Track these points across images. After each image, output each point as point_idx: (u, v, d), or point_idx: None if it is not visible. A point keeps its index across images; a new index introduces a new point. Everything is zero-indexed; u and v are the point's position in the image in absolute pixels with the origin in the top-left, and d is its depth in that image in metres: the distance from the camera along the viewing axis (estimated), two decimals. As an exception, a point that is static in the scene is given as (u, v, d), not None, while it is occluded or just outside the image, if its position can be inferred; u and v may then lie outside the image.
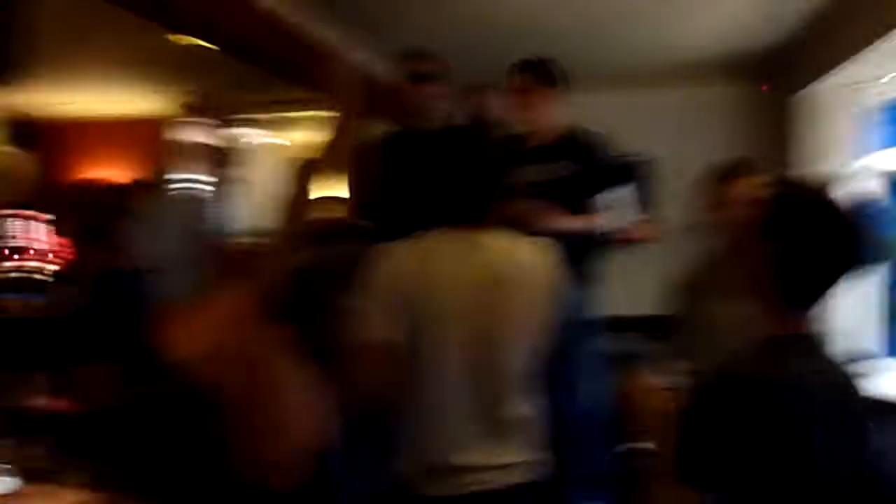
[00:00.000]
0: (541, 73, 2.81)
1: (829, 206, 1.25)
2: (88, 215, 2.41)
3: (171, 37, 3.26)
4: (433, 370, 1.61)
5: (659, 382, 3.59)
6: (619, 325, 3.35)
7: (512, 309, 1.65)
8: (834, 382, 1.28)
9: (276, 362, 1.94)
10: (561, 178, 2.77)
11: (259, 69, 3.78)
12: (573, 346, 2.77)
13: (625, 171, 2.95)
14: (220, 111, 5.73)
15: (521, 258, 1.72)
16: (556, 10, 3.55)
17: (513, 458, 1.65)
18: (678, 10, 3.64)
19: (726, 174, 2.25)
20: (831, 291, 1.25)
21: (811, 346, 1.29)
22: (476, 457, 1.62)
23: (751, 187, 1.55)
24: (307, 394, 2.03)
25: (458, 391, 1.62)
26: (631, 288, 3.77)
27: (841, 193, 1.28)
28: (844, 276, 1.24)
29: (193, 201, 3.83)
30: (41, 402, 2.20)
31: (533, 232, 2.53)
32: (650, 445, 2.72)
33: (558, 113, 2.85)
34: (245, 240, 2.04)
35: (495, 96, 3.19)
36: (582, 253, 2.82)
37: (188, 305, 1.90)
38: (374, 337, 1.59)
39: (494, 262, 1.67)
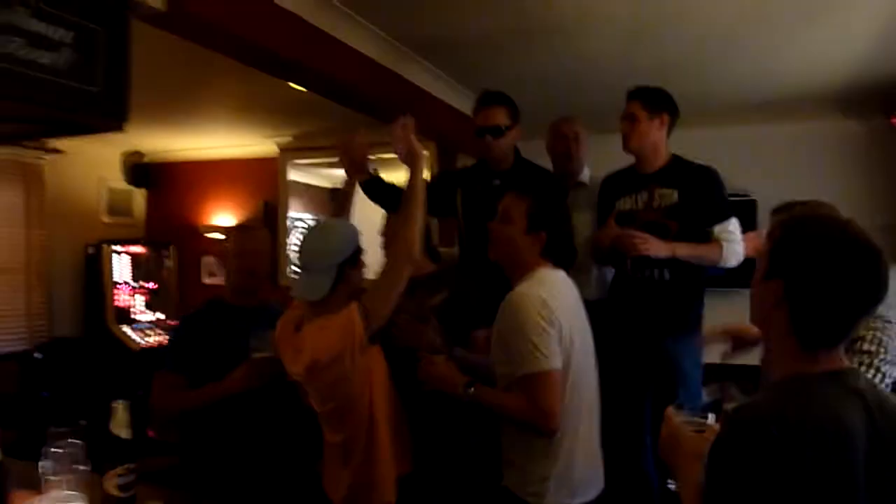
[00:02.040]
0: (648, 100, 2.77)
1: (840, 238, 1.14)
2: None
3: (282, 84, 3.37)
4: (576, 395, 1.89)
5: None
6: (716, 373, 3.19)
7: (589, 341, 2.04)
8: (882, 417, 1.12)
9: (377, 389, 1.98)
10: (668, 206, 2.73)
11: (364, 113, 3.87)
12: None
13: (732, 205, 2.81)
14: (329, 153, 5.97)
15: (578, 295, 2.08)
16: (662, 44, 3.47)
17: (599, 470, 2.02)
18: (793, 43, 3.47)
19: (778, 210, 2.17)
20: (852, 327, 1.16)
21: (843, 382, 1.15)
22: (583, 475, 1.93)
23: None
24: (400, 423, 2.06)
25: (591, 413, 1.98)
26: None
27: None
28: (866, 310, 1.15)
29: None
30: (123, 430, 2.23)
31: (634, 258, 2.53)
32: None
33: (665, 141, 2.81)
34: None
35: (577, 127, 3.23)
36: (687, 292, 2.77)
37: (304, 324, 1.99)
38: (553, 366, 1.82)
39: (579, 298, 2.05)
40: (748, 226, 2.85)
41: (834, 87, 4.26)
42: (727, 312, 2.72)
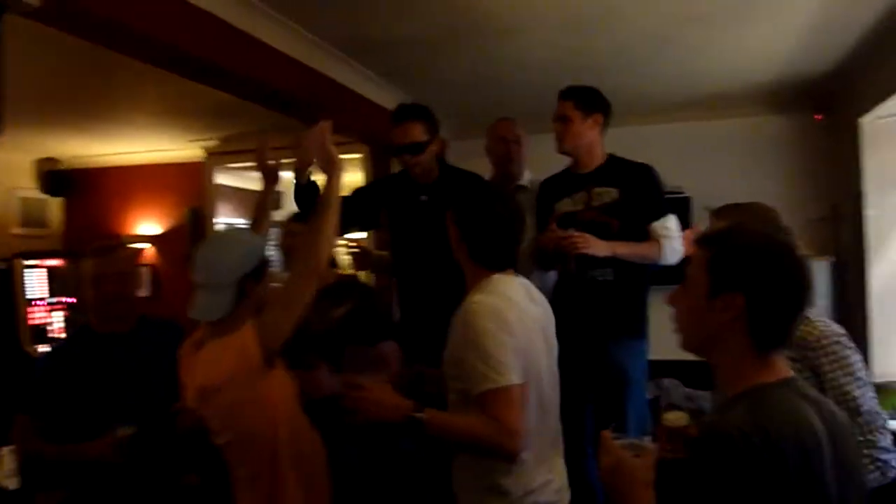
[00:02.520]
0: (581, 100, 2.74)
1: (783, 245, 1.25)
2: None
3: (203, 87, 3.18)
4: (534, 404, 1.75)
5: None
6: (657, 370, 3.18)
7: (553, 352, 1.89)
8: (833, 422, 1.19)
9: (280, 420, 1.81)
10: (607, 204, 2.72)
11: (291, 116, 3.71)
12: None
13: (669, 202, 2.80)
14: (253, 156, 5.75)
15: (539, 298, 1.93)
16: (594, 44, 3.43)
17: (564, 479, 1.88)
18: (724, 41, 3.49)
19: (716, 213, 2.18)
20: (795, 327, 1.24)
21: (796, 389, 1.22)
22: (558, 477, 1.83)
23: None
24: (314, 462, 1.88)
25: (547, 422, 1.83)
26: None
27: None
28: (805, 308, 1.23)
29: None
30: (11, 480, 2.05)
31: (578, 259, 2.49)
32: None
33: (600, 140, 2.79)
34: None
35: (517, 130, 3.20)
36: (635, 290, 2.76)
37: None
38: (511, 381, 1.65)
39: (539, 304, 1.90)
40: (682, 222, 2.83)
41: (763, 84, 4.33)
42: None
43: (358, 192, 2.97)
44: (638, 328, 2.78)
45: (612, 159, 2.81)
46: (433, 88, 2.82)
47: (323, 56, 3.53)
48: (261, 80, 3.12)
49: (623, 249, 2.65)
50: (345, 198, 2.51)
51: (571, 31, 3.29)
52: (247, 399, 1.74)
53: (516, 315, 1.73)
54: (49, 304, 5.43)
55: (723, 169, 4.73)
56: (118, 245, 3.72)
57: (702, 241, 1.30)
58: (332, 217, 1.85)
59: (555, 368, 1.90)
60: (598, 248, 2.60)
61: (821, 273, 4.11)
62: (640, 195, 2.71)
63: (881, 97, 3.51)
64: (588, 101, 2.75)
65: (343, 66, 3.74)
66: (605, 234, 2.64)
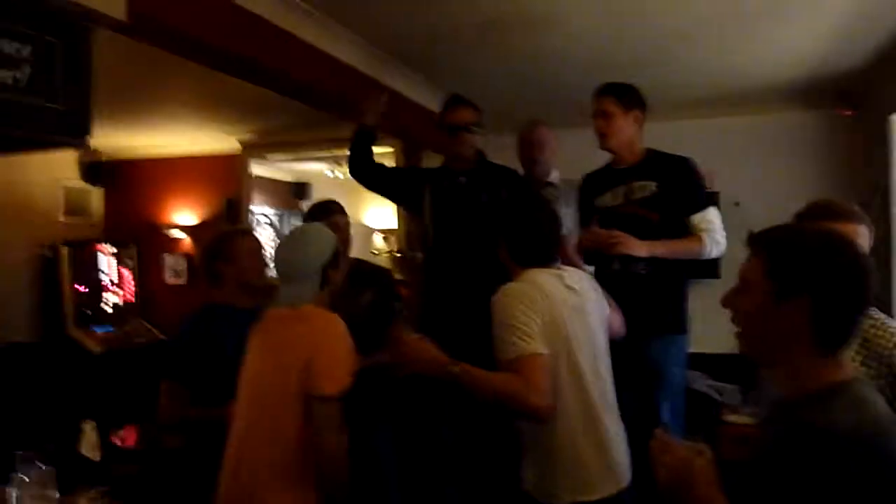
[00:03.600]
0: (622, 96, 2.77)
1: (845, 244, 1.21)
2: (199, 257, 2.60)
3: (242, 82, 3.30)
4: (567, 389, 1.87)
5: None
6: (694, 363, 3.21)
7: (596, 335, 2.01)
8: None
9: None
10: (646, 197, 2.73)
11: (323, 110, 3.82)
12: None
13: (711, 195, 2.84)
14: (287, 148, 5.90)
15: (587, 290, 2.07)
16: (629, 39, 3.49)
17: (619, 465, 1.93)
18: (755, 38, 3.54)
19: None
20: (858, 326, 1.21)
21: (866, 387, 1.21)
22: (596, 467, 1.88)
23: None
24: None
25: (586, 407, 1.90)
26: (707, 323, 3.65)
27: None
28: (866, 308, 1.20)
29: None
30: (92, 451, 2.19)
31: (612, 257, 2.57)
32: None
33: (639, 136, 2.82)
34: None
35: (548, 132, 3.31)
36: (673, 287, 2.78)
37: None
38: (540, 350, 1.80)
39: (579, 293, 2.01)
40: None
41: (793, 80, 4.35)
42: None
43: (405, 169, 3.19)
44: (676, 323, 2.79)
45: (651, 153, 2.82)
46: (466, 84, 2.94)
47: (358, 52, 3.63)
48: (299, 76, 3.23)
49: (662, 249, 2.66)
50: (397, 169, 2.80)
51: (604, 27, 3.36)
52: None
53: (542, 296, 1.89)
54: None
55: (751, 165, 4.77)
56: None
57: (757, 244, 1.25)
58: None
59: (600, 349, 2.02)
60: (638, 248, 2.62)
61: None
62: (678, 188, 2.72)
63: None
64: (627, 97, 2.78)
65: (375, 62, 3.82)
66: (645, 228, 2.66)
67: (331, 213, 2.93)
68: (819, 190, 4.40)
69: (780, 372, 1.23)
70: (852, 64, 4.00)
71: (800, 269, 1.17)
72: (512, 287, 1.94)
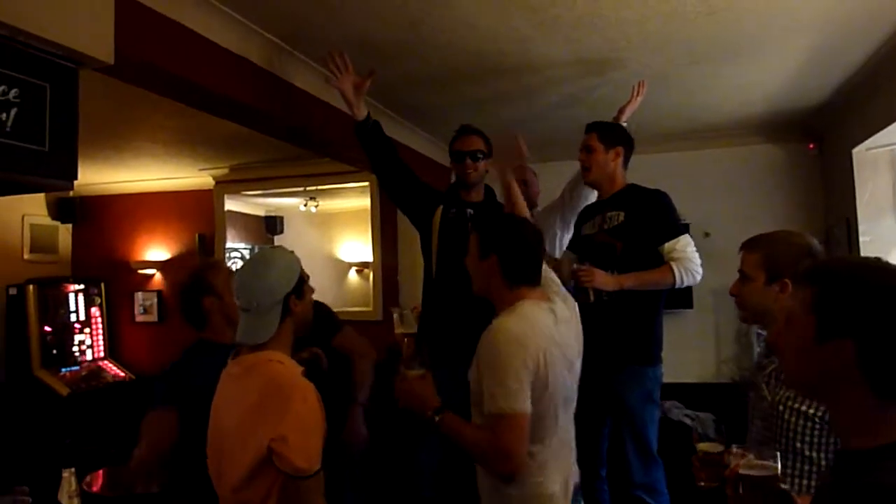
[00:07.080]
0: (604, 133, 2.96)
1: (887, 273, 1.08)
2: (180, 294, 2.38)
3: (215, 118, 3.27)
4: (548, 422, 1.85)
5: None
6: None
7: (574, 366, 1.98)
8: None
9: None
10: (615, 226, 2.87)
11: (299, 147, 3.83)
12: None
13: (684, 226, 2.94)
14: (261, 184, 5.87)
15: (572, 319, 2.04)
16: (606, 81, 3.61)
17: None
18: (722, 79, 3.67)
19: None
20: None
21: None
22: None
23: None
24: None
25: (564, 439, 1.94)
26: (681, 352, 3.72)
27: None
28: None
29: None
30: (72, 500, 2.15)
31: (586, 289, 2.69)
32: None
33: (621, 171, 2.98)
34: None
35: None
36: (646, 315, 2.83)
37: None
38: (522, 409, 1.76)
39: (568, 325, 1.99)
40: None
41: (759, 116, 4.53)
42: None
43: (424, 183, 3.15)
44: (644, 354, 2.82)
45: (629, 187, 2.95)
46: (446, 122, 2.98)
47: (335, 91, 3.64)
48: (277, 114, 3.21)
49: (632, 282, 2.73)
50: (418, 179, 3.01)
51: (584, 74, 3.51)
52: None
53: (534, 334, 1.83)
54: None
55: (721, 196, 4.91)
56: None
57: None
58: None
59: (574, 383, 1.99)
60: (605, 282, 2.71)
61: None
62: (647, 218, 2.81)
63: (872, 130, 3.65)
64: (610, 134, 2.97)
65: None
66: (610, 255, 2.81)
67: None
68: (786, 220, 4.55)
69: (839, 419, 1.13)
70: (815, 100, 4.17)
71: (844, 307, 1.06)
72: (507, 327, 1.83)
